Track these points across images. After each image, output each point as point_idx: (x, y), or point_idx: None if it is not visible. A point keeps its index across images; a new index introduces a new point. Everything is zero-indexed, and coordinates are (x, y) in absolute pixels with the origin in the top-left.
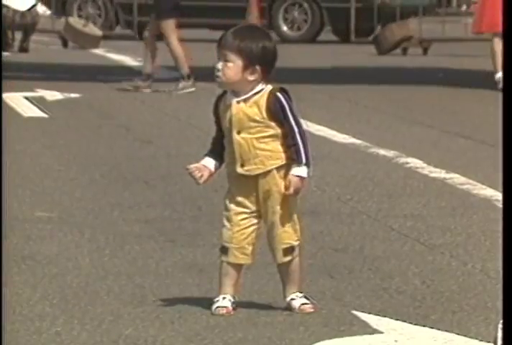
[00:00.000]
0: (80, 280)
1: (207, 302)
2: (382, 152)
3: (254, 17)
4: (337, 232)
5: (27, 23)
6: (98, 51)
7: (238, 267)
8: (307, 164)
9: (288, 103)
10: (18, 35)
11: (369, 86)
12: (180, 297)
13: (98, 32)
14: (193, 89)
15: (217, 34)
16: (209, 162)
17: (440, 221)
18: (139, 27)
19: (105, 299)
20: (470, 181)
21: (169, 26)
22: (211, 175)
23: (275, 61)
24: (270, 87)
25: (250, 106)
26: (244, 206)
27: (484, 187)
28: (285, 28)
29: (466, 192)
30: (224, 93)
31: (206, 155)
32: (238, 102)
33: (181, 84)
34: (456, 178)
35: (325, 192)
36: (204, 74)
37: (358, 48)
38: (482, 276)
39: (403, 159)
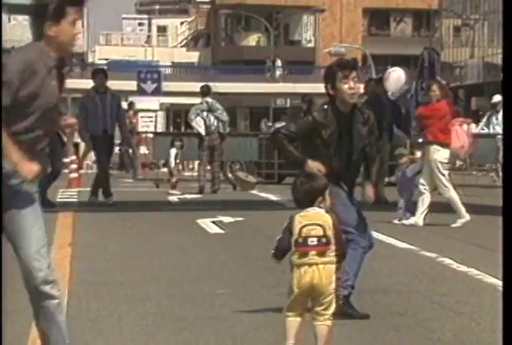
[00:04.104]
0: (244, 329)
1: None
2: (427, 253)
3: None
4: (399, 303)
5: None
6: (254, 191)
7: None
8: None
9: None
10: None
11: None
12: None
13: (254, 180)
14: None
15: None
16: None
17: (464, 297)
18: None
19: (261, 340)
20: (482, 273)
21: None
22: None
23: None
24: None
25: None
26: None
27: (489, 277)
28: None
29: (479, 279)
30: None
31: None
32: None
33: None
34: (473, 271)
35: (391, 278)
36: None
37: None
38: (489, 331)
39: (440, 259)
